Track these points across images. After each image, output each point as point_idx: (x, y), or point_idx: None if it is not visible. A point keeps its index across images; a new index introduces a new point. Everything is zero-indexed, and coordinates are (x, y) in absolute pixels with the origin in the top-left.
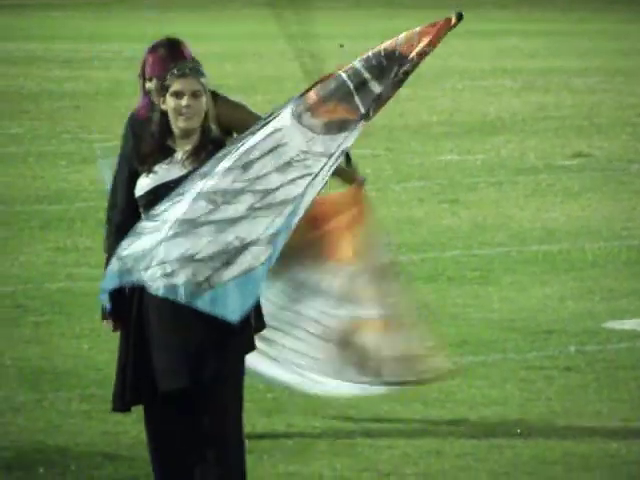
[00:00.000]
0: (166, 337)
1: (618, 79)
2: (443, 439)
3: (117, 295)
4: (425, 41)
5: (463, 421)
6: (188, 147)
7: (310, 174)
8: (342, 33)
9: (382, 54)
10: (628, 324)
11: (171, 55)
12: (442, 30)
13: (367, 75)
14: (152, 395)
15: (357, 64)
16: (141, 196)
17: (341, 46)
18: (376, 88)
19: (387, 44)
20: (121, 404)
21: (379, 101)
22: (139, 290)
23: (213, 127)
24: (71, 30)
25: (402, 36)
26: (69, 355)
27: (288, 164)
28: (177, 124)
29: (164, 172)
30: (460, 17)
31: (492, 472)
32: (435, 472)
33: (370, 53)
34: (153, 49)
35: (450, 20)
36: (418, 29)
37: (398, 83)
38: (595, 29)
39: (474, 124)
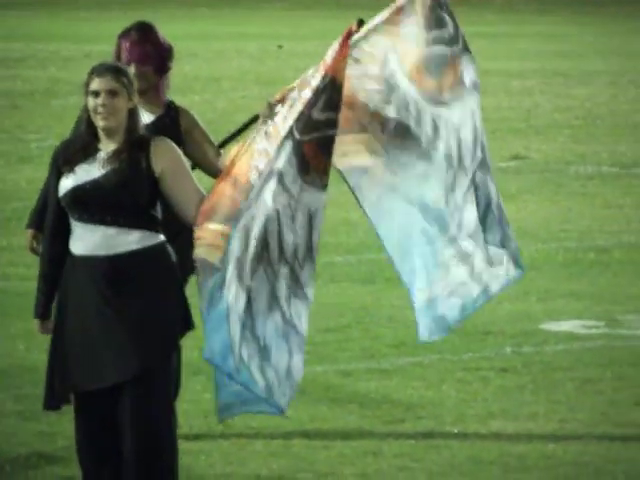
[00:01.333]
0: (88, 334)
1: (556, 81)
2: (380, 440)
3: (48, 294)
4: (333, 58)
5: (400, 421)
6: (112, 147)
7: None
8: (280, 34)
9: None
10: (565, 325)
11: (144, 37)
12: (346, 42)
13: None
14: (78, 392)
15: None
16: (62, 197)
17: (279, 47)
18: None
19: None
20: (51, 402)
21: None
22: (63, 287)
23: (139, 127)
24: (5, 29)
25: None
26: (3, 355)
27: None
28: (97, 123)
29: (83, 173)
30: (361, 23)
31: (429, 472)
32: (373, 472)
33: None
34: (126, 34)
35: (350, 31)
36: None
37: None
38: (533, 31)
39: None
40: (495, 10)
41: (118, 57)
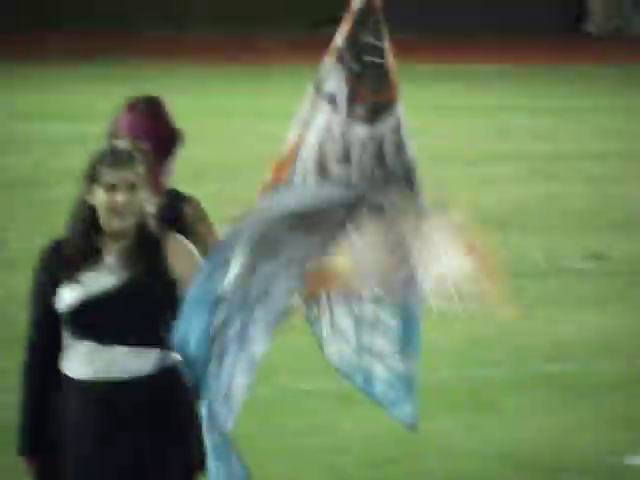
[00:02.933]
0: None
1: None
2: None
3: (38, 429)
4: None
5: None
6: (119, 249)
7: None
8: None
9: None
10: None
11: (149, 111)
12: None
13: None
14: None
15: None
16: (65, 312)
17: None
18: None
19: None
20: None
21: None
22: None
23: (150, 223)
24: None
25: None
26: None
27: None
28: (109, 223)
29: (92, 281)
30: None
31: None
32: None
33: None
34: (130, 106)
35: None
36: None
37: None
38: (615, 105)
39: (467, 218)
40: (568, 81)
41: (114, 130)
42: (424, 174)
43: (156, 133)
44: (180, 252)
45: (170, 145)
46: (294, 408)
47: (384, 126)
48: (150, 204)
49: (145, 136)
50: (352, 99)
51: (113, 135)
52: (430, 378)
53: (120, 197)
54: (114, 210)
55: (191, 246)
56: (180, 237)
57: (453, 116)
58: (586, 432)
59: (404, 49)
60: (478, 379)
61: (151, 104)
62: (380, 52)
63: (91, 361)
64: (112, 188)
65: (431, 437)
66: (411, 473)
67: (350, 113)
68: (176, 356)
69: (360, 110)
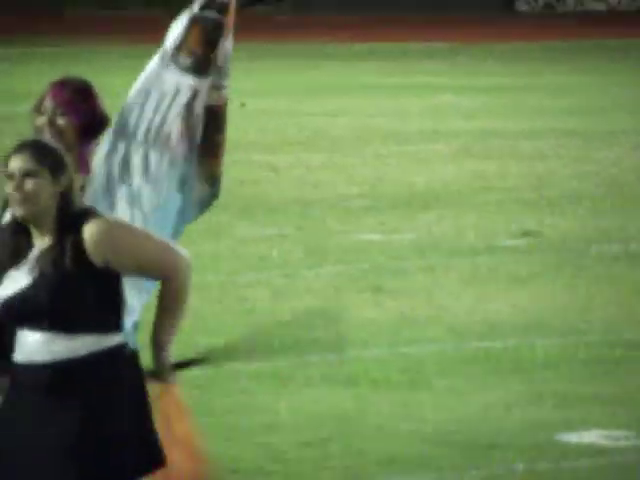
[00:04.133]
0: (19, 455)
1: (573, 143)
2: None
3: None
4: None
5: None
6: (41, 243)
7: None
8: (243, 89)
9: None
10: (586, 436)
11: (80, 88)
12: None
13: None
14: None
15: None
16: None
17: (242, 105)
18: None
19: None
20: None
21: None
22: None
23: (71, 214)
24: None
25: None
26: None
27: None
28: (15, 213)
29: (9, 282)
30: None
31: None
32: None
33: None
34: (60, 84)
35: None
36: None
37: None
38: (545, 84)
39: (401, 197)
40: (498, 60)
41: (39, 105)
42: (361, 153)
43: (80, 107)
44: (98, 240)
45: (95, 126)
46: (228, 387)
47: (204, 83)
48: (78, 193)
49: (67, 106)
50: (180, 47)
51: (37, 110)
52: (364, 355)
53: (13, 185)
54: (11, 199)
55: (109, 226)
56: (95, 221)
57: (383, 94)
58: (518, 410)
59: (331, 27)
60: (412, 356)
61: (81, 81)
62: (224, 8)
63: (22, 344)
64: (10, 178)
65: (367, 416)
66: (345, 453)
67: (174, 59)
68: (112, 340)
69: (185, 60)
